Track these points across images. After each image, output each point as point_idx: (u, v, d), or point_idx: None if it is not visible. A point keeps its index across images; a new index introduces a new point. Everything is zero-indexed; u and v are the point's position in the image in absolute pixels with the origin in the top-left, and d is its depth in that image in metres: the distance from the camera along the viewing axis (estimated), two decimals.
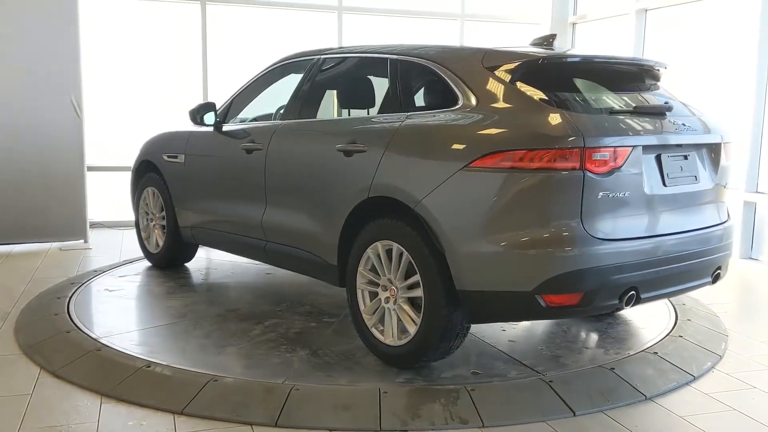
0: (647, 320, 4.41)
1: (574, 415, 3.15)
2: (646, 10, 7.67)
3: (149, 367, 3.50)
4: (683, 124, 3.51)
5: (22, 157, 6.38)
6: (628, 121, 3.32)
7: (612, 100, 3.51)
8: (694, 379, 3.59)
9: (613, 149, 3.14)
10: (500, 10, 9.06)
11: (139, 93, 7.97)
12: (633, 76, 3.78)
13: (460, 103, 3.44)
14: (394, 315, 3.54)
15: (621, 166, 3.16)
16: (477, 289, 3.22)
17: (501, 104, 3.32)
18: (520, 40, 9.20)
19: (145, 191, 5.70)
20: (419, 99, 3.86)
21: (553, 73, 3.47)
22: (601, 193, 3.11)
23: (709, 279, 3.65)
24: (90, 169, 6.86)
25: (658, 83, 3.84)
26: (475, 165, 3.17)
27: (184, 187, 5.29)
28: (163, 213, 5.47)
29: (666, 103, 3.61)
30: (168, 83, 8.07)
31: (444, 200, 3.28)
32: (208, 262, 5.97)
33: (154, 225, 5.65)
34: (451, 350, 3.51)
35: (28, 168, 6.40)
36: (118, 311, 4.61)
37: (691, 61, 7.18)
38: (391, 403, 3.16)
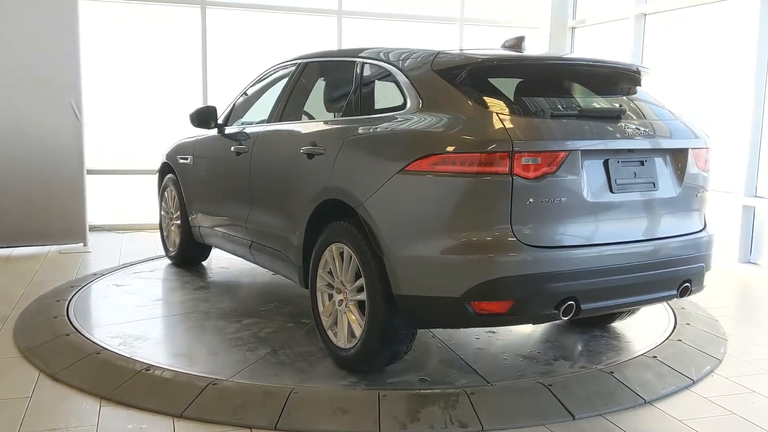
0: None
1: (574, 418, 3.15)
2: (645, 15, 7.69)
3: (148, 370, 3.50)
4: (638, 128, 3.35)
5: (22, 160, 6.37)
6: (569, 124, 3.21)
7: (559, 103, 3.42)
8: (694, 383, 3.58)
9: (545, 154, 3.05)
10: (499, 15, 9.07)
11: (139, 96, 7.98)
12: (595, 78, 3.68)
13: (408, 106, 3.45)
14: (344, 318, 3.56)
15: (555, 171, 3.07)
16: (411, 293, 3.20)
17: (441, 107, 3.29)
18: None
19: (166, 191, 5.91)
20: (376, 101, 3.87)
21: (498, 75, 3.45)
22: (531, 199, 3.03)
23: (674, 292, 3.48)
24: (90, 172, 6.86)
25: (632, 86, 3.71)
26: (411, 168, 3.17)
27: (192, 188, 5.47)
28: (179, 212, 5.67)
29: (621, 106, 3.49)
30: (168, 86, 8.08)
31: (383, 203, 3.30)
32: (223, 260, 6.00)
33: (172, 224, 5.84)
34: (398, 355, 3.50)
35: (27, 171, 6.40)
36: (111, 305, 4.75)
37: (692, 65, 7.20)
38: (391, 406, 3.16)
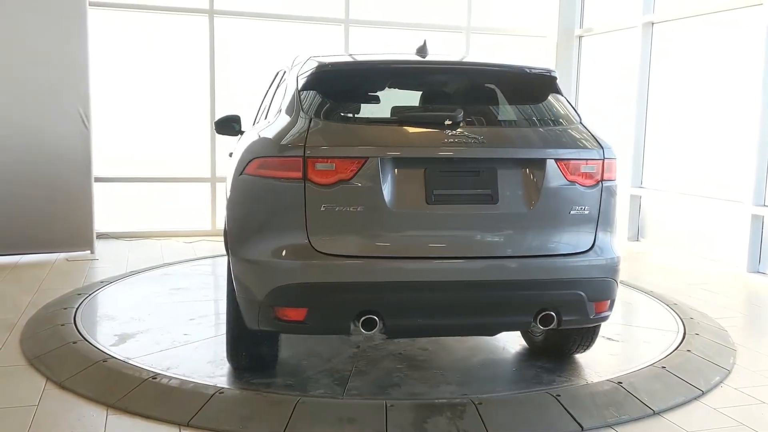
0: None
1: (582, 429, 3.13)
2: (652, 23, 7.68)
3: (155, 378, 3.50)
4: (471, 137, 3.09)
5: (30, 167, 6.40)
6: (375, 131, 3.18)
7: (381, 108, 3.40)
8: (703, 393, 3.55)
9: (339, 160, 3.00)
10: (506, 23, 9.08)
11: (148, 104, 8.01)
12: (451, 81, 3.60)
13: (278, 111, 3.52)
14: None
15: (351, 179, 3.01)
16: (239, 294, 3.26)
17: (288, 112, 3.35)
18: (521, 52, 9.30)
19: None
20: (276, 107, 3.94)
21: (335, 80, 3.43)
22: (325, 206, 3.00)
23: (529, 320, 3.13)
24: (97, 180, 6.88)
25: (510, 89, 3.53)
26: (246, 171, 3.24)
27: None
28: None
29: (458, 112, 3.22)
30: (176, 94, 8.11)
31: (230, 205, 3.43)
32: None
33: None
34: (262, 357, 3.55)
35: (35, 179, 6.42)
36: (121, 294, 5.26)
37: (699, 71, 7.18)
38: (397, 416, 3.14)
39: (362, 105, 3.46)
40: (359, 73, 3.56)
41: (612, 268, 3.28)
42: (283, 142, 3.10)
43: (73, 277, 5.76)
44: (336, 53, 3.65)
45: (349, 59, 3.62)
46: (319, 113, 3.21)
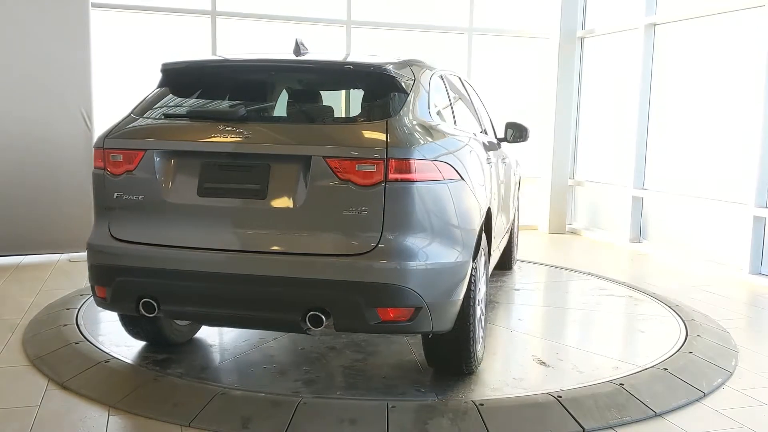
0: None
1: (584, 430, 3.13)
2: (654, 25, 7.68)
3: (157, 379, 3.50)
4: (237, 132, 3.15)
5: (32, 168, 6.41)
6: (156, 126, 3.40)
7: (178, 105, 3.57)
8: (705, 395, 3.55)
9: (124, 152, 3.30)
10: (508, 24, 9.08)
11: None
12: (268, 79, 3.87)
13: None
14: None
15: (133, 169, 3.28)
16: None
17: None
18: (522, 54, 9.31)
19: None
20: None
21: (169, 79, 3.67)
22: (116, 193, 3.31)
23: (297, 318, 3.04)
24: None
25: (325, 86, 3.81)
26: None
27: None
28: None
29: (239, 108, 3.38)
30: None
31: None
32: None
33: None
34: (151, 334, 3.84)
35: (37, 179, 6.44)
36: None
37: (702, 72, 7.18)
38: (399, 417, 3.15)
39: (162, 100, 3.59)
40: (183, 72, 3.71)
41: (404, 274, 3.03)
42: (101, 135, 3.42)
43: (75, 278, 5.77)
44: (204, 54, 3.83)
45: (185, 58, 3.76)
46: (140, 109, 3.52)
